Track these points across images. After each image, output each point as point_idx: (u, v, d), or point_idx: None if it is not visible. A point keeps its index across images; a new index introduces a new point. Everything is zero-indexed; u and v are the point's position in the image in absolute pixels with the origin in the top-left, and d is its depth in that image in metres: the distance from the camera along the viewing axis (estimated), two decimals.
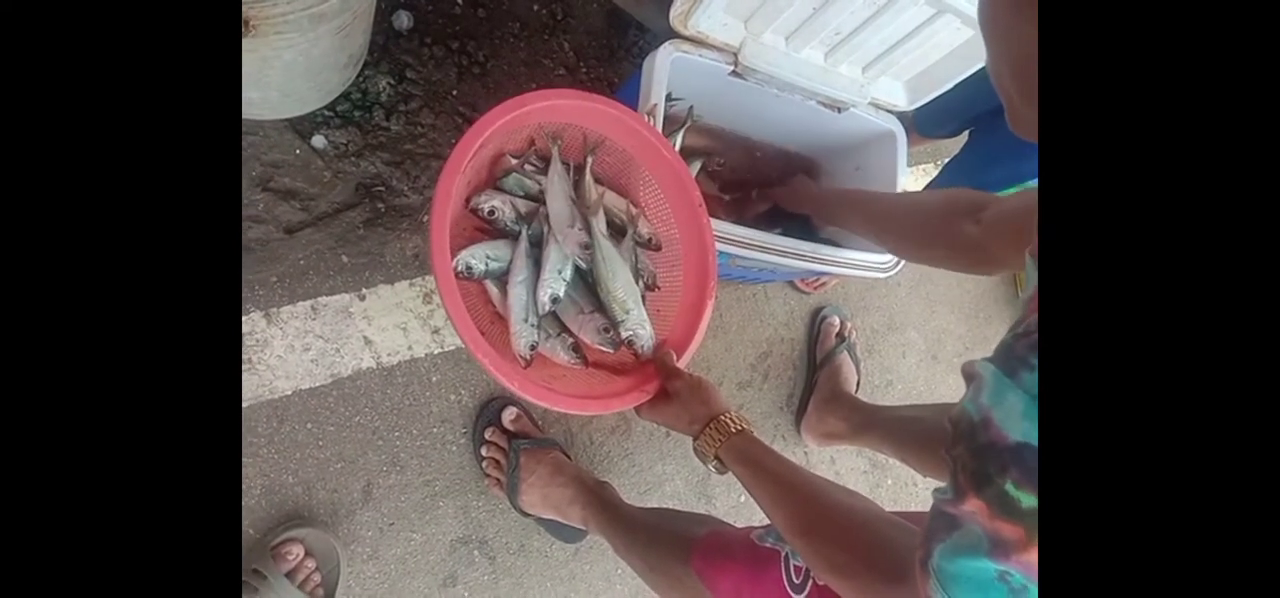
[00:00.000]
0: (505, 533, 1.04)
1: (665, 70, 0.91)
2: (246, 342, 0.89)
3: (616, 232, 0.90)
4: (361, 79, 1.00)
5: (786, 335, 1.32)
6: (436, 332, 1.02)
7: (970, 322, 1.58)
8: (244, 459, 0.88)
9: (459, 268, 0.81)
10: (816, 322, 1.33)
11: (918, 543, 0.46)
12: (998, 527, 0.40)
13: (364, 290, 0.98)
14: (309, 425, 0.93)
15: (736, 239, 0.92)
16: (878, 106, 1.08)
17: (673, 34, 0.93)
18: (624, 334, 0.83)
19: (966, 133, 1.19)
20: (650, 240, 0.91)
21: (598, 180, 0.91)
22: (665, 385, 0.79)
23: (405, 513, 0.98)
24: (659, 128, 0.88)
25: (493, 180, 0.89)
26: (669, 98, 0.95)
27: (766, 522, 0.71)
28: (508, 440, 1.01)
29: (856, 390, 1.28)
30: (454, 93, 1.07)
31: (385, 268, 0.99)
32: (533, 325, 0.82)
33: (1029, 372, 0.39)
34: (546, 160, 0.88)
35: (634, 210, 0.92)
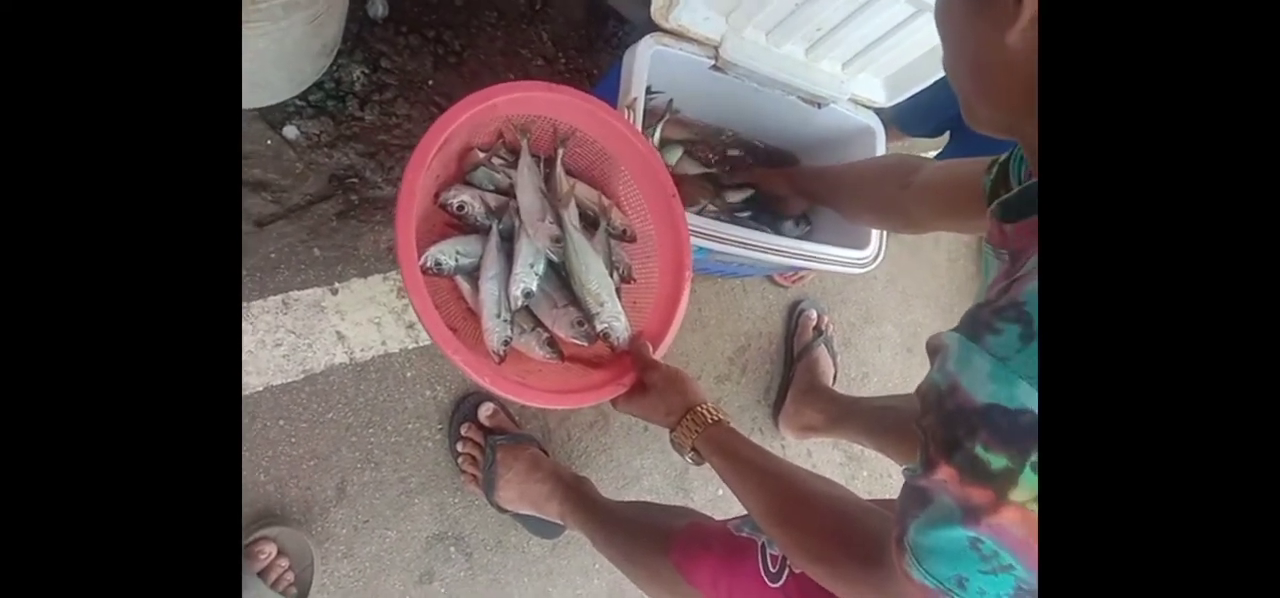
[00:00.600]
0: (482, 529, 1.03)
1: (646, 64, 0.90)
2: None
3: (589, 224, 0.89)
4: (335, 68, 0.98)
5: (764, 329, 1.33)
6: (411, 326, 1.00)
7: (945, 315, 1.60)
8: None
9: (428, 264, 0.80)
10: (794, 315, 1.34)
11: (892, 523, 0.47)
12: (968, 493, 0.40)
13: (336, 285, 0.96)
14: (281, 422, 0.91)
15: (715, 235, 0.92)
16: (857, 102, 1.09)
17: (653, 27, 0.92)
18: (599, 327, 0.82)
19: (947, 134, 1.20)
20: (624, 232, 0.91)
21: (569, 173, 0.90)
22: (642, 377, 0.79)
23: (380, 510, 0.97)
24: (638, 123, 0.88)
25: (461, 175, 0.88)
26: (648, 91, 0.95)
27: (744, 513, 0.72)
28: (484, 436, 1.00)
29: (833, 383, 1.29)
30: (429, 82, 1.05)
31: (358, 261, 0.98)
32: (506, 321, 0.81)
33: (994, 335, 0.39)
34: (516, 153, 0.87)
35: (606, 202, 0.91)
